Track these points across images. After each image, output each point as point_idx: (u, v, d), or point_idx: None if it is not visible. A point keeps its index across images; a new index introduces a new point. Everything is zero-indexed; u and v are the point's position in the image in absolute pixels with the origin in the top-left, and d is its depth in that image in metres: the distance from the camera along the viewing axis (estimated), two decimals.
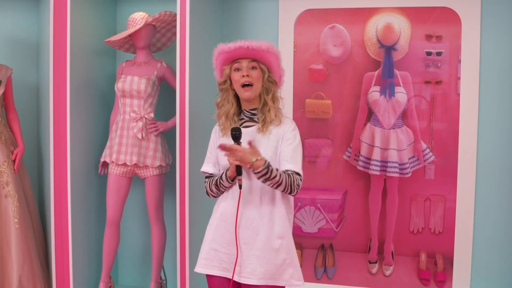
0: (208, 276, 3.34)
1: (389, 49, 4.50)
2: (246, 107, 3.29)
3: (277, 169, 3.09)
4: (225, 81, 3.30)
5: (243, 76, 3.20)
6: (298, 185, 3.17)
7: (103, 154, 4.57)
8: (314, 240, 4.72)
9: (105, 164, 4.64)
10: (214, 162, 3.37)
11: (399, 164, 4.50)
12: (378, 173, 4.55)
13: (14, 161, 4.60)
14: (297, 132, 3.26)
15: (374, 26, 4.51)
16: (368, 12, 4.52)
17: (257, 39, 4.57)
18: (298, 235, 4.72)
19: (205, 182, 3.39)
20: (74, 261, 4.51)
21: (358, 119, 4.57)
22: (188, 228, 4.20)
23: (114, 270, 4.99)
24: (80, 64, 4.52)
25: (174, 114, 4.38)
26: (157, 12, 4.44)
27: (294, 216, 4.66)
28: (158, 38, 4.69)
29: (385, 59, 4.51)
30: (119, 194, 4.53)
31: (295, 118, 4.63)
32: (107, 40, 4.54)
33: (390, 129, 4.52)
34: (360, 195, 4.61)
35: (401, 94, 4.48)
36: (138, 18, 4.46)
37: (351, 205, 4.63)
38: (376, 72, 4.52)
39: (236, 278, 3.23)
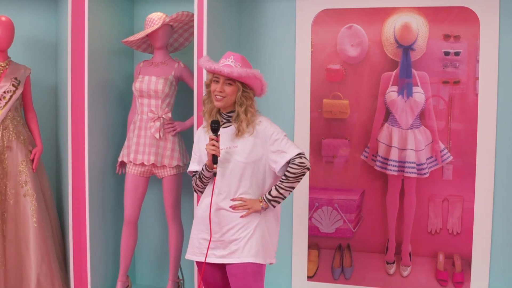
0: (197, 262, 3.72)
1: (406, 49, 4.48)
2: (223, 111, 3.61)
3: (278, 186, 3.54)
4: (208, 85, 3.60)
5: (217, 90, 3.51)
6: (303, 165, 3.53)
7: (121, 154, 4.58)
8: (331, 240, 4.71)
9: (123, 164, 4.65)
10: (199, 160, 3.71)
11: (417, 165, 4.49)
12: (395, 173, 4.53)
13: (32, 160, 4.63)
14: (275, 128, 3.59)
15: (391, 26, 4.49)
16: (386, 12, 4.50)
17: (274, 40, 4.63)
18: (316, 235, 4.72)
19: (192, 180, 3.73)
20: (91, 260, 4.54)
21: (376, 119, 4.56)
22: None
23: (132, 270, 5.01)
24: (98, 64, 4.54)
25: (192, 114, 4.39)
26: (175, 12, 4.44)
27: (312, 217, 4.68)
28: (176, 38, 4.70)
29: (402, 59, 4.49)
30: (136, 193, 4.54)
31: (312, 118, 4.63)
32: (125, 40, 4.56)
33: (407, 129, 4.50)
34: (378, 195, 4.59)
35: (419, 94, 4.46)
36: (156, 18, 4.47)
37: (368, 205, 4.62)
38: (394, 72, 4.51)
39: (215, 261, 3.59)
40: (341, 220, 4.67)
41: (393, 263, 4.60)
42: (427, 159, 4.49)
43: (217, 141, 3.47)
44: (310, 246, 4.72)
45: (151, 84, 4.43)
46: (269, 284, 4.81)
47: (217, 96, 3.50)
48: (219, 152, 3.47)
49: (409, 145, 4.50)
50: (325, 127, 4.65)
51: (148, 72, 4.53)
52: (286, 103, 4.68)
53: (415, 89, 4.47)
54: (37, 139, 4.70)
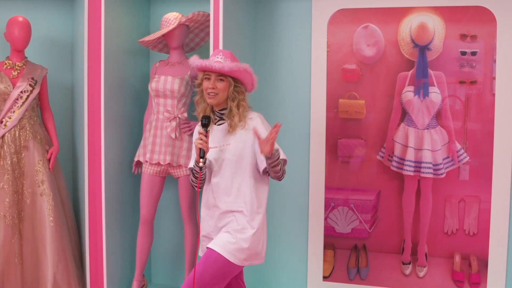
0: None
1: (423, 49, 4.47)
2: (216, 108, 3.67)
3: (278, 149, 3.53)
4: (199, 84, 3.66)
5: (209, 87, 3.56)
6: (284, 171, 3.65)
7: (137, 153, 4.59)
8: (347, 240, 4.70)
9: (139, 164, 4.67)
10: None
11: (433, 165, 4.47)
12: (412, 173, 4.52)
13: (49, 160, 4.65)
14: (264, 122, 3.63)
15: (408, 26, 4.48)
16: (402, 12, 4.49)
17: (290, 40, 4.63)
18: (331, 235, 4.71)
19: (190, 175, 3.76)
20: (107, 260, 4.55)
21: (392, 119, 4.55)
22: None
23: (147, 269, 5.03)
24: (114, 64, 4.56)
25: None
26: (191, 12, 4.46)
27: (328, 217, 4.67)
28: (192, 38, 4.71)
29: (419, 59, 4.47)
30: (152, 193, 4.55)
31: (328, 118, 4.62)
32: (141, 40, 4.57)
33: (424, 129, 4.48)
34: (394, 195, 4.58)
35: (435, 94, 4.45)
36: (172, 18, 4.48)
37: (384, 205, 4.61)
38: (410, 72, 4.49)
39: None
40: (357, 220, 4.67)
41: (409, 263, 4.59)
42: (444, 159, 4.47)
43: (206, 136, 3.51)
44: (325, 246, 4.72)
45: (167, 84, 4.44)
46: (284, 284, 4.82)
47: (210, 93, 3.55)
48: (207, 147, 3.50)
49: (425, 145, 4.48)
50: (341, 127, 4.64)
51: (164, 72, 4.53)
52: (302, 103, 4.68)
53: (431, 89, 4.46)
54: (54, 138, 4.73)
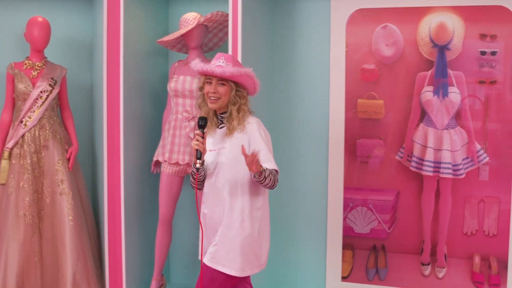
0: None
1: (442, 49, 4.45)
2: (218, 111, 3.62)
3: (266, 169, 3.43)
4: (201, 88, 3.62)
5: (211, 91, 3.52)
6: (277, 180, 3.51)
7: (156, 153, 4.61)
8: (366, 241, 4.69)
9: (158, 163, 4.68)
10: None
11: (453, 165, 4.45)
12: (431, 174, 4.50)
13: (68, 159, 4.67)
14: (262, 130, 3.57)
15: (427, 26, 4.46)
16: (421, 11, 4.47)
17: (308, 40, 4.62)
18: (350, 235, 4.70)
19: (190, 176, 3.71)
20: (127, 259, 4.57)
21: (411, 119, 4.53)
22: None
23: (166, 268, 5.04)
24: (133, 64, 4.58)
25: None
26: (209, 12, 4.46)
27: (346, 217, 4.66)
28: (210, 38, 4.71)
29: (438, 59, 4.46)
30: (171, 192, 4.57)
31: (347, 119, 4.61)
32: (160, 40, 4.58)
33: (443, 129, 4.47)
34: (413, 196, 4.57)
35: (454, 94, 4.43)
36: (190, 18, 4.49)
37: (403, 206, 4.59)
38: (429, 72, 4.48)
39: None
40: (376, 221, 4.65)
41: (428, 264, 4.57)
42: (463, 159, 4.45)
43: (203, 137, 3.45)
44: (344, 247, 4.71)
45: (186, 84, 4.45)
46: (303, 284, 4.82)
47: (211, 98, 3.52)
48: (204, 148, 3.45)
49: (444, 145, 4.46)
50: (359, 127, 4.63)
51: (183, 72, 4.54)
52: (320, 103, 4.67)
53: (450, 89, 4.44)
54: (73, 138, 4.75)
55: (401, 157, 4.57)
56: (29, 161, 4.57)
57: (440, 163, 4.48)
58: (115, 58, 4.49)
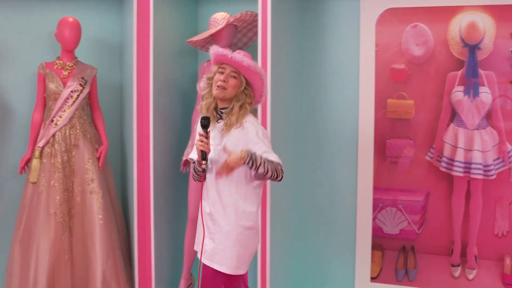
0: None
1: (473, 48, 4.41)
2: (219, 105, 3.56)
3: (260, 157, 3.34)
4: (211, 78, 3.57)
5: (221, 80, 3.47)
6: (282, 170, 3.41)
7: (185, 152, 4.62)
8: (395, 241, 4.67)
9: (187, 163, 4.69)
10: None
11: (483, 166, 4.41)
12: (461, 174, 4.47)
13: (98, 158, 4.71)
14: (259, 128, 3.50)
15: (457, 25, 4.43)
16: (451, 11, 4.44)
17: (338, 40, 4.61)
18: (379, 236, 4.68)
19: (191, 168, 3.71)
20: (156, 257, 4.59)
21: (441, 119, 4.50)
22: (269, 226, 4.22)
23: (195, 267, 5.05)
24: (162, 64, 4.60)
25: (256, 112, 4.40)
26: (238, 12, 4.46)
27: (376, 217, 4.64)
28: (239, 38, 4.72)
29: (469, 59, 4.42)
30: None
31: (376, 119, 4.60)
32: (189, 40, 4.60)
33: (474, 129, 4.43)
34: (443, 196, 4.53)
35: (485, 94, 4.39)
36: (220, 18, 4.50)
37: (433, 206, 4.56)
38: (460, 71, 4.44)
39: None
40: (405, 221, 4.63)
41: (458, 265, 4.54)
42: (494, 160, 4.41)
43: (206, 137, 3.41)
44: (373, 247, 4.69)
45: None
46: (332, 284, 4.81)
47: (219, 85, 3.46)
48: (209, 148, 3.42)
49: (475, 146, 4.43)
50: (389, 127, 4.61)
51: None
52: (350, 103, 4.66)
53: (481, 89, 4.40)
54: (103, 137, 4.79)
55: (431, 158, 4.54)
56: (59, 160, 4.61)
57: (470, 163, 4.44)
58: (145, 58, 4.51)
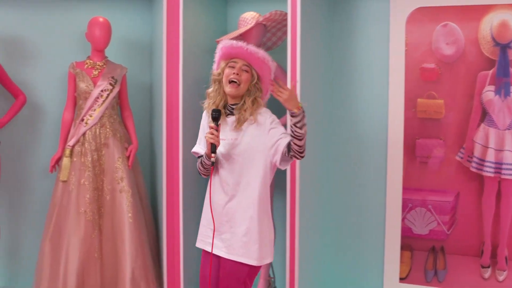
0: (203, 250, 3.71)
1: (504, 47, 4.37)
2: (229, 101, 3.51)
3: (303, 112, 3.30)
4: (219, 74, 3.52)
5: (234, 73, 3.42)
6: (305, 148, 3.37)
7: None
8: (424, 242, 4.63)
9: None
10: (204, 143, 3.57)
11: None
12: (492, 175, 4.42)
13: (128, 157, 4.74)
14: (274, 118, 3.46)
15: (488, 24, 4.39)
16: (482, 10, 4.40)
17: (367, 39, 4.60)
18: (408, 236, 4.65)
19: (197, 162, 3.63)
20: (184, 256, 4.61)
21: (472, 119, 4.46)
22: (298, 226, 4.22)
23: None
24: (192, 64, 4.61)
25: (285, 112, 4.40)
26: (268, 11, 4.47)
27: (405, 218, 4.62)
28: (269, 37, 4.72)
29: (500, 58, 4.38)
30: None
31: (406, 118, 4.57)
32: (219, 39, 4.60)
33: (505, 130, 4.39)
34: (473, 197, 4.49)
35: None
36: (249, 17, 4.51)
37: (463, 207, 4.52)
38: (491, 71, 4.40)
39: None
40: (435, 222, 4.60)
41: (489, 267, 4.49)
42: None
43: (217, 130, 3.38)
44: (402, 247, 4.66)
45: None
46: (360, 284, 4.79)
47: (232, 81, 3.41)
48: (218, 141, 3.38)
49: (506, 146, 4.38)
50: (419, 127, 4.58)
51: None
52: (379, 102, 4.64)
53: None
54: (133, 136, 4.82)
55: (462, 158, 4.51)
56: (90, 159, 4.65)
57: (501, 164, 4.40)
58: (175, 57, 4.53)
